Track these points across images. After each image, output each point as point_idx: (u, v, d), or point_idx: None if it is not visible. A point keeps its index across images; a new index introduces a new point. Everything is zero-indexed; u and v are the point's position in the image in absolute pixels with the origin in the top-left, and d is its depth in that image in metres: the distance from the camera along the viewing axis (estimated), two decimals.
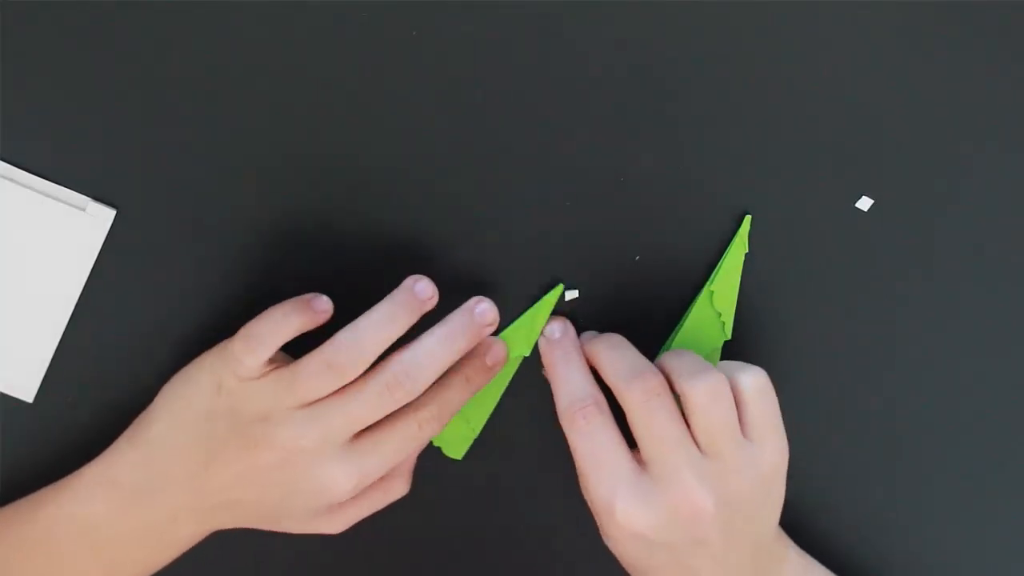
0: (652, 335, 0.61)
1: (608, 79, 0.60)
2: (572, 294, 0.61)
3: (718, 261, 0.61)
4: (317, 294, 0.55)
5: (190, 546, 0.58)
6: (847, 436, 0.63)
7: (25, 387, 0.60)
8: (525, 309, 0.61)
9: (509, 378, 0.61)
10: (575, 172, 0.61)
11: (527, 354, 0.60)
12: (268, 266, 0.60)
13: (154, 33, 0.59)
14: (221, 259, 0.60)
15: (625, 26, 0.60)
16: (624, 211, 0.61)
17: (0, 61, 0.58)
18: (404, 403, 0.55)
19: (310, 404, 0.54)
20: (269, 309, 0.55)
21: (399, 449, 0.56)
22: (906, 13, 0.61)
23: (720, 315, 0.61)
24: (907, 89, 0.61)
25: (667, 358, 0.57)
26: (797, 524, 0.61)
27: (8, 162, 0.59)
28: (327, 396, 0.54)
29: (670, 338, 0.61)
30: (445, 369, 0.56)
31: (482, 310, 0.57)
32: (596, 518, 0.56)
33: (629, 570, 0.58)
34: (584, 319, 0.61)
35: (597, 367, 0.57)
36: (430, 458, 0.61)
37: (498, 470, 0.63)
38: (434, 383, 0.56)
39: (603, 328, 0.61)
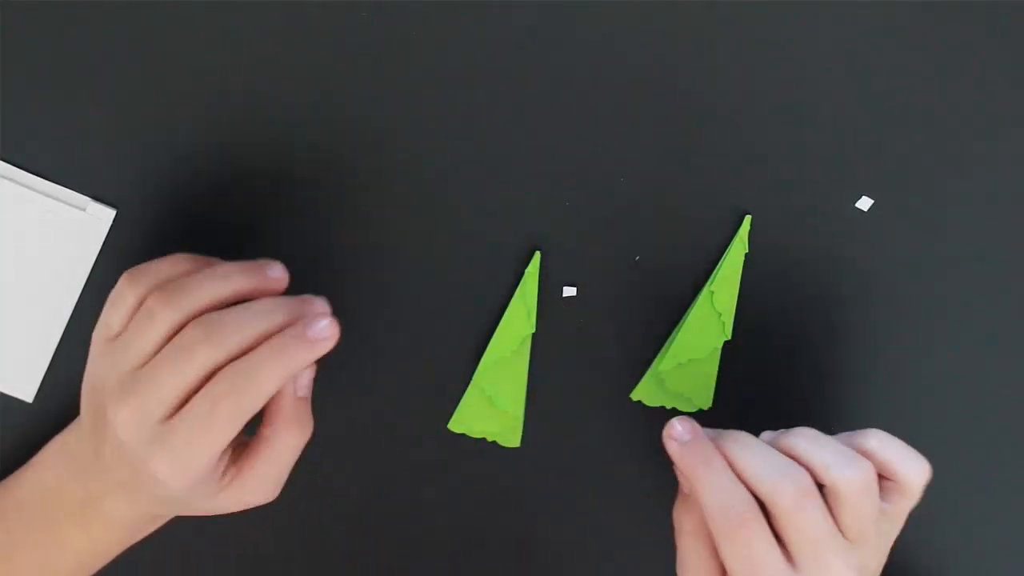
0: (652, 335, 0.61)
1: (609, 79, 0.60)
2: (570, 291, 0.61)
3: (718, 261, 0.61)
4: (270, 260, 0.52)
5: (132, 534, 0.57)
6: None
7: (25, 387, 0.60)
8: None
9: (527, 357, 0.61)
10: (575, 172, 0.61)
11: (533, 331, 0.60)
12: None
13: (154, 33, 0.59)
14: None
15: (625, 26, 0.60)
16: (624, 211, 0.61)
17: (0, 61, 0.58)
18: (209, 365, 0.50)
19: (133, 369, 0.51)
20: (205, 270, 0.52)
21: (209, 424, 0.50)
22: (906, 13, 0.61)
23: (720, 315, 0.61)
24: (907, 89, 0.61)
25: (796, 443, 0.53)
26: None
27: (8, 162, 0.59)
28: (143, 366, 0.51)
29: (670, 338, 0.61)
30: (256, 335, 0.51)
31: (317, 319, 0.52)
32: None
33: None
34: (584, 319, 0.61)
35: (733, 468, 0.53)
36: (431, 459, 0.61)
37: (498, 471, 0.63)
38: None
39: (603, 328, 0.61)
